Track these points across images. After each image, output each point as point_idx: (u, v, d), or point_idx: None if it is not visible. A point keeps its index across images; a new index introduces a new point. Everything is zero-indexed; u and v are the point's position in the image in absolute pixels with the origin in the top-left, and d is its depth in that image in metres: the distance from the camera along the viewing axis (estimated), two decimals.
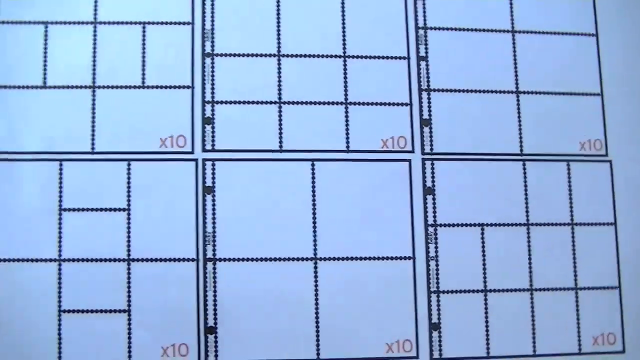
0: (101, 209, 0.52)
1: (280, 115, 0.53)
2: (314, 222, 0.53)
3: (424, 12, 0.56)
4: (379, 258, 0.53)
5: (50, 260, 0.51)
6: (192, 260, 0.51)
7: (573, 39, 0.57)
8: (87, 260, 0.51)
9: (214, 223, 0.52)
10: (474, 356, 0.53)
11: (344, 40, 0.55)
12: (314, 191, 0.53)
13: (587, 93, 0.56)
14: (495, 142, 0.55)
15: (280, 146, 0.53)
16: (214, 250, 0.52)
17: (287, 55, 0.54)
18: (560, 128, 0.56)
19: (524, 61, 0.56)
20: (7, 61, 0.52)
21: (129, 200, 0.52)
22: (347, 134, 0.54)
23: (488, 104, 0.55)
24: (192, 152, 0.53)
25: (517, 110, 0.55)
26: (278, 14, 0.54)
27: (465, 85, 0.55)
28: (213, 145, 0.53)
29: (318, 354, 0.51)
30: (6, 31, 0.53)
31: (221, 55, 0.54)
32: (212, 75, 0.53)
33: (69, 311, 0.50)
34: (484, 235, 0.54)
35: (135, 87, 0.53)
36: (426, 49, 0.55)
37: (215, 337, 0.51)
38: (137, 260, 0.51)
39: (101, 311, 0.51)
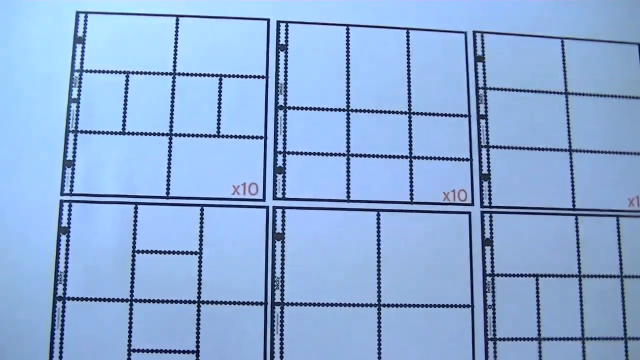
0: (173, 252, 0.53)
1: (348, 167, 0.56)
2: (379, 270, 0.55)
3: (484, 73, 0.59)
4: (439, 305, 0.55)
5: (123, 300, 0.52)
6: (261, 304, 0.53)
7: (622, 101, 0.60)
8: (158, 301, 0.53)
9: (282, 268, 0.54)
10: None
11: (409, 97, 0.57)
12: (378, 240, 0.55)
13: (636, 152, 0.59)
14: (550, 197, 0.57)
15: (348, 196, 0.55)
16: (282, 294, 0.54)
17: (356, 110, 0.57)
18: (610, 185, 0.58)
19: (576, 121, 0.59)
20: (90, 107, 0.55)
21: (200, 244, 0.54)
22: (411, 186, 0.56)
23: (543, 160, 0.58)
24: (263, 200, 0.55)
25: (570, 167, 0.58)
26: (348, 70, 0.57)
27: (522, 143, 0.58)
28: (284, 193, 0.55)
29: None
30: (90, 79, 0.55)
31: (293, 108, 0.56)
32: (285, 127, 0.56)
33: (138, 350, 0.52)
34: (539, 285, 0.56)
35: (210, 136, 0.55)
36: (486, 107, 0.58)
37: None
38: (207, 302, 0.53)
39: (170, 351, 0.52)
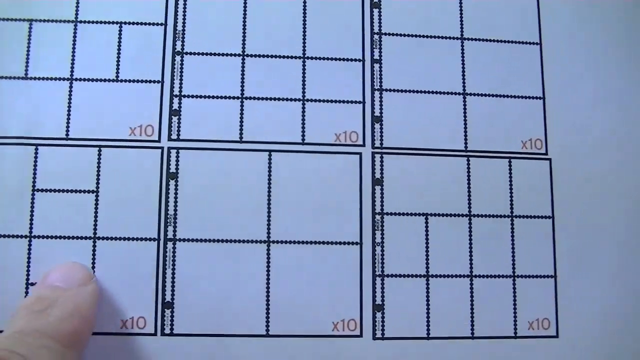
0: (71, 191, 0.55)
1: (242, 110, 0.57)
2: (269, 208, 0.56)
3: (380, 19, 0.60)
4: (328, 242, 0.56)
5: (21, 236, 0.54)
6: (154, 240, 0.55)
7: (518, 47, 0.61)
8: (56, 237, 0.54)
9: (175, 206, 0.56)
10: (414, 336, 0.55)
11: (304, 42, 0.59)
12: (269, 179, 0.57)
13: (530, 96, 0.60)
14: (442, 139, 0.58)
15: (241, 137, 0.57)
16: (174, 231, 0.55)
17: (251, 55, 0.58)
18: (503, 128, 0.59)
19: (471, 65, 0.60)
20: None
21: (98, 183, 0.56)
22: (303, 128, 0.58)
23: (436, 103, 0.59)
24: (158, 141, 0.57)
25: (464, 110, 0.59)
26: (244, 18, 0.59)
27: (415, 86, 0.59)
28: (178, 135, 0.57)
29: (267, 330, 0.54)
30: None
31: (190, 53, 0.58)
32: (181, 72, 0.58)
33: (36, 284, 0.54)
34: (428, 225, 0.57)
35: (109, 80, 0.57)
36: (380, 52, 0.59)
37: (172, 312, 0.54)
38: (103, 238, 0.55)
39: None
